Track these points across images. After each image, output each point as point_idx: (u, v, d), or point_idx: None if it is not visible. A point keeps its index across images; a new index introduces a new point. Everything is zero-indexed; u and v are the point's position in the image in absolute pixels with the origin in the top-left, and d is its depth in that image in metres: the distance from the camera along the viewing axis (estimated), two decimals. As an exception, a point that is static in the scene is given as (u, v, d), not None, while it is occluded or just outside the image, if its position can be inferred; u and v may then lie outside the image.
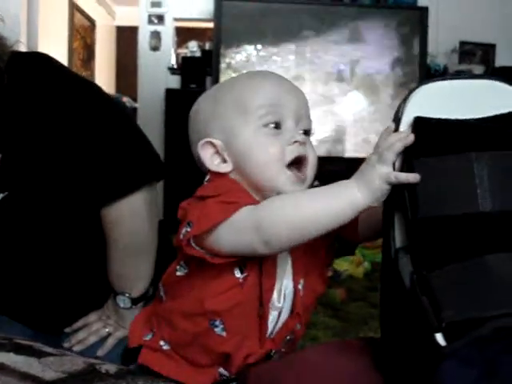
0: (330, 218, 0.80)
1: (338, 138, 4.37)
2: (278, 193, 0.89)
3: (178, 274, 0.93)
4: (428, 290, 0.68)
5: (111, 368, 0.60)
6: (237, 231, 0.82)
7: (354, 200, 0.79)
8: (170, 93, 4.59)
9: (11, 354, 0.55)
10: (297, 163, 0.91)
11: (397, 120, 0.78)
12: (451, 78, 0.77)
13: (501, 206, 0.69)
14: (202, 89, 4.58)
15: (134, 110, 5.23)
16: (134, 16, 5.46)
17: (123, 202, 1.16)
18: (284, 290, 0.93)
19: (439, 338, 0.66)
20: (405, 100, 0.78)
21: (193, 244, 0.84)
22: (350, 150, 4.36)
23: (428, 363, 0.66)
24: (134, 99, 5.62)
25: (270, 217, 0.81)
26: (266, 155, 0.89)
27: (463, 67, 4.79)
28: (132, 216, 1.18)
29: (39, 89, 1.15)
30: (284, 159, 0.89)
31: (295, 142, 0.90)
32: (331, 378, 0.82)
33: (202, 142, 0.93)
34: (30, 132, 1.14)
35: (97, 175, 1.15)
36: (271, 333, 0.94)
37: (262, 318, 0.91)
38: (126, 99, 5.99)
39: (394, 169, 0.77)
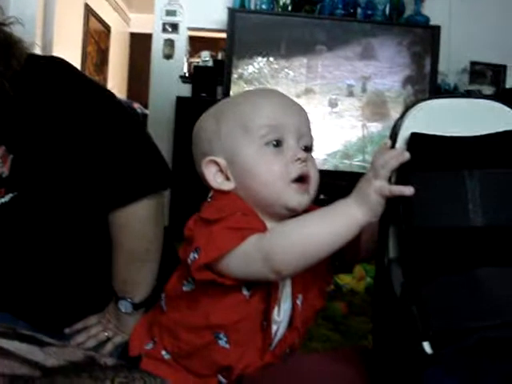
0: (334, 238, 0.82)
1: (346, 152, 4.39)
2: (285, 207, 0.92)
3: (185, 289, 0.94)
4: (418, 299, 0.70)
5: (109, 361, 0.62)
6: (246, 261, 0.84)
7: (355, 217, 0.81)
8: (180, 101, 4.61)
9: (15, 342, 0.57)
10: (300, 180, 0.93)
11: (394, 135, 0.81)
12: (449, 97, 0.80)
13: (491, 222, 0.71)
14: (212, 98, 4.61)
15: (145, 116, 5.26)
16: (149, 23, 5.51)
17: (131, 207, 1.17)
18: (282, 304, 0.95)
19: (426, 346, 0.68)
20: (402, 116, 0.80)
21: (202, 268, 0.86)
22: (358, 166, 4.38)
23: (415, 370, 0.68)
24: (145, 105, 5.65)
25: (277, 246, 0.83)
26: (270, 173, 0.92)
27: (473, 87, 4.79)
28: (139, 222, 1.19)
29: (54, 92, 1.17)
30: (288, 176, 0.92)
31: (297, 159, 0.93)
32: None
33: (205, 160, 0.96)
34: (43, 134, 1.16)
35: (107, 180, 1.17)
36: (271, 346, 0.95)
37: (266, 331, 0.93)
38: (136, 105, 6.02)
39: (391, 182, 0.79)
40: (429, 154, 0.76)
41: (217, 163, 0.96)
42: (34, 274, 1.22)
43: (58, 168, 1.17)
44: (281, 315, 0.94)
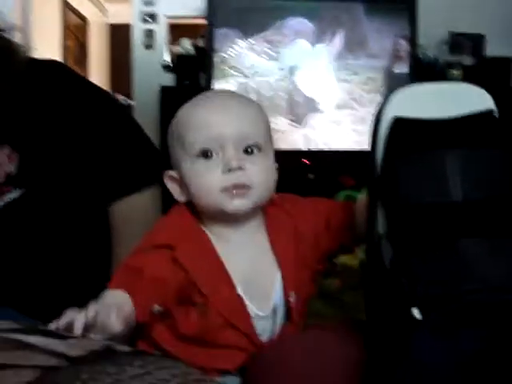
0: None
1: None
2: (224, 213, 0.96)
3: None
4: (406, 270, 0.76)
5: (124, 348, 0.67)
6: None
7: None
8: (165, 90, 4.64)
9: (38, 337, 0.62)
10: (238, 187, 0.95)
11: (376, 121, 0.85)
12: (428, 83, 0.85)
13: (469, 196, 0.77)
14: (196, 85, 4.63)
15: (129, 107, 5.26)
16: (127, 13, 5.50)
17: (134, 198, 1.23)
18: (274, 302, 0.98)
19: (415, 311, 0.73)
20: (385, 102, 0.84)
21: None
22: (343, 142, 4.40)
23: (405, 334, 0.74)
24: (128, 96, 5.64)
25: None
26: (202, 185, 0.95)
27: (454, 58, 4.82)
28: (142, 212, 1.25)
29: (54, 93, 1.24)
30: (218, 187, 0.94)
31: (229, 170, 0.94)
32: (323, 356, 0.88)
33: (166, 176, 1.02)
34: (45, 132, 1.22)
35: (110, 172, 1.23)
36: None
37: (248, 335, 0.95)
38: (121, 97, 6.01)
39: (375, 168, 0.83)
40: (411, 137, 0.81)
41: (173, 177, 1.00)
42: (35, 272, 1.27)
43: (62, 164, 1.23)
44: (267, 311, 0.98)
